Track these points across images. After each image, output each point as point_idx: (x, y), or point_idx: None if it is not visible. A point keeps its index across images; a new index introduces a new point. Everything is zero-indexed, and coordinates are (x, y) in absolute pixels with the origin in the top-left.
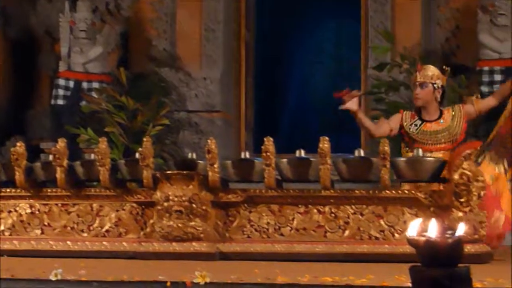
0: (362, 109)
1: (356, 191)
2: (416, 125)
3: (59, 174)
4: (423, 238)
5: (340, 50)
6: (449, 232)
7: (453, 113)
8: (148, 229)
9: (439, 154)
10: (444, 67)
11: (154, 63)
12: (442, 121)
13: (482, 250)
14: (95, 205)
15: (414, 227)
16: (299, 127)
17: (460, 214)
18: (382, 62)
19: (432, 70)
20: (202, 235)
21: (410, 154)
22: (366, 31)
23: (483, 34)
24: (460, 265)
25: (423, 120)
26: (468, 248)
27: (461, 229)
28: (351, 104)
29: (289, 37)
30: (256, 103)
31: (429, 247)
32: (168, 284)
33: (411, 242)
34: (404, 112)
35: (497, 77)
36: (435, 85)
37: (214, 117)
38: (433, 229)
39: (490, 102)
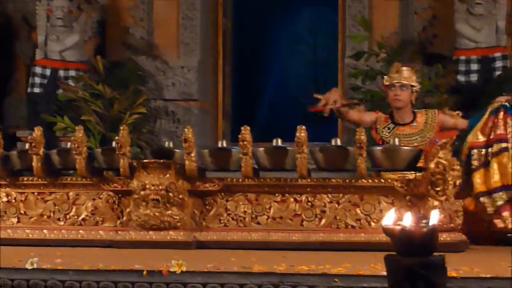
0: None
1: (333, 180)
2: (389, 128)
3: (35, 163)
4: (398, 227)
5: (317, 38)
6: (424, 221)
7: (426, 117)
8: (124, 218)
9: None
10: (414, 67)
11: (131, 51)
12: (415, 124)
13: (458, 239)
14: (71, 194)
15: (389, 217)
16: (277, 115)
17: (436, 203)
18: (359, 51)
19: (410, 73)
20: (178, 224)
21: None
22: (343, 20)
23: (460, 23)
24: (435, 254)
25: (396, 124)
26: (444, 237)
27: (434, 217)
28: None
29: (266, 25)
30: (234, 92)
31: (404, 236)
32: (144, 272)
33: (386, 231)
34: (379, 114)
35: (474, 67)
36: (413, 88)
37: (191, 106)
38: (408, 219)
39: (464, 125)
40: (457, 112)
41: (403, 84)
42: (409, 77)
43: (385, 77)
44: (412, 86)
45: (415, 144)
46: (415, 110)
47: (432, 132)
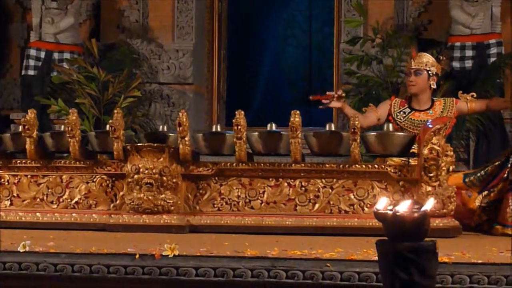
0: (335, 85)
1: (327, 165)
2: (404, 112)
3: (29, 145)
4: (389, 212)
5: (313, 23)
6: (416, 206)
7: (443, 105)
8: (118, 201)
9: None
10: (440, 56)
11: (126, 34)
12: (431, 111)
13: (450, 224)
14: (65, 177)
15: (382, 202)
16: (272, 100)
17: (429, 188)
18: (354, 36)
19: (427, 57)
20: (172, 208)
21: None
22: (339, 5)
23: (455, 10)
24: (426, 239)
25: (412, 109)
26: (437, 223)
27: (429, 205)
28: (335, 103)
29: (262, 10)
30: (229, 76)
31: (395, 221)
32: (137, 256)
33: (378, 216)
34: (395, 100)
35: (468, 53)
36: (429, 72)
37: (186, 90)
38: (403, 205)
39: (483, 106)
40: (471, 94)
41: (417, 69)
42: (424, 62)
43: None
44: (428, 71)
45: None
46: (434, 98)
47: (449, 121)
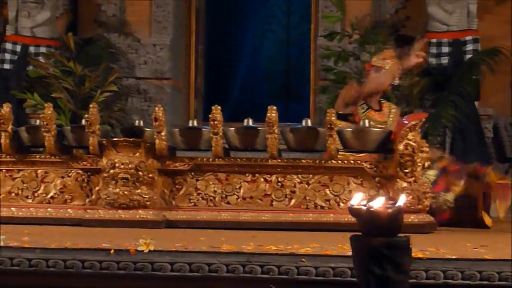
0: (313, 81)
1: (303, 161)
2: (363, 108)
3: (4, 140)
4: (363, 208)
5: (291, 19)
6: (391, 202)
7: (389, 110)
8: (93, 196)
9: None
10: (418, 37)
11: (103, 29)
12: (382, 113)
13: (425, 220)
14: (40, 171)
15: (357, 197)
16: (249, 95)
17: (405, 184)
18: (332, 31)
19: (383, 55)
20: (148, 203)
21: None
22: (317, 1)
23: (432, 6)
24: (401, 234)
25: (368, 107)
26: (412, 218)
27: (402, 200)
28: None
29: (240, 4)
30: (206, 71)
31: (369, 216)
32: (112, 251)
33: (352, 211)
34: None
35: (445, 49)
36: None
37: (164, 84)
38: (375, 200)
39: None
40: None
41: (378, 66)
42: (380, 59)
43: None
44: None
45: None
46: (381, 100)
47: (393, 127)
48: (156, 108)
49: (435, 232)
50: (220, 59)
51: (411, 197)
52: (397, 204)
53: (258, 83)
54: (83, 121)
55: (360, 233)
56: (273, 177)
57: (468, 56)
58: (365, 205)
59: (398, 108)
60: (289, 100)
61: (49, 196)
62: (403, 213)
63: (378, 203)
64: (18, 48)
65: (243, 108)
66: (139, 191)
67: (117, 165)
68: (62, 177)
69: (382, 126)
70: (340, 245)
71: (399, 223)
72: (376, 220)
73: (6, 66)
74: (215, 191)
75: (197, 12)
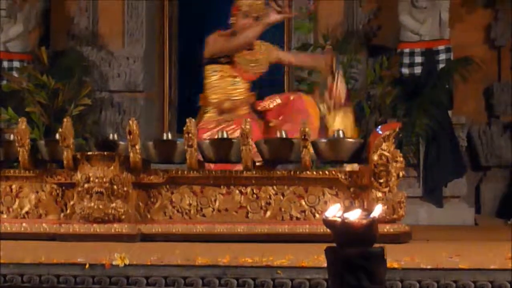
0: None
1: (278, 172)
2: None
3: None
4: (338, 219)
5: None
6: (365, 213)
7: (261, 46)
8: (68, 211)
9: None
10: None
11: (76, 41)
12: (253, 52)
13: (400, 230)
14: (14, 186)
15: (333, 208)
16: None
17: (379, 194)
18: (305, 42)
19: None
20: (123, 217)
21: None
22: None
23: (404, 16)
24: (376, 245)
25: None
26: (387, 228)
27: (378, 211)
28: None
29: (213, 15)
30: (180, 81)
31: (344, 228)
32: (87, 266)
33: (327, 223)
34: None
35: (418, 59)
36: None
37: (137, 97)
38: (350, 212)
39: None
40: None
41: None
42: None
43: None
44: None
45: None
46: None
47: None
48: (130, 122)
49: (410, 242)
50: (194, 69)
51: (385, 207)
52: (373, 215)
53: None
54: (57, 135)
55: (335, 244)
56: (248, 189)
57: (441, 65)
58: (340, 217)
59: (269, 43)
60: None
61: (23, 211)
62: (377, 223)
63: (354, 215)
64: None
65: None
66: (113, 204)
67: (91, 179)
68: (37, 192)
69: (254, 64)
70: (316, 256)
71: (374, 233)
72: (351, 231)
73: None
74: (190, 204)
75: (170, 21)
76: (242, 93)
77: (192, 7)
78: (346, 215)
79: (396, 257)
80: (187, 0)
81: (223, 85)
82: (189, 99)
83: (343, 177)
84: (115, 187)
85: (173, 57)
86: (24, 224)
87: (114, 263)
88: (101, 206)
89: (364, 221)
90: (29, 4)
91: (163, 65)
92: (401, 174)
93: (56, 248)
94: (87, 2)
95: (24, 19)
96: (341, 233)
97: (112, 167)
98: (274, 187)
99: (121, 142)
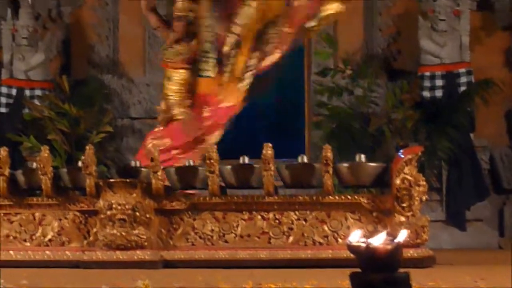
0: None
1: (300, 197)
2: None
3: (1, 184)
4: (362, 245)
5: (283, 55)
6: (389, 238)
7: None
8: (91, 238)
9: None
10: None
11: (97, 70)
12: None
13: (424, 254)
14: (37, 214)
15: (355, 234)
16: (243, 131)
17: (402, 219)
18: (325, 68)
19: None
20: (145, 243)
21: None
22: (309, 37)
23: (424, 40)
24: (400, 270)
25: None
26: (411, 253)
27: (403, 236)
28: None
29: None
30: None
31: (368, 253)
32: None
33: (350, 248)
34: None
35: (438, 82)
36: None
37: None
38: (374, 236)
39: None
40: None
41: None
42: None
43: None
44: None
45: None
46: None
47: None
48: (152, 149)
49: (434, 266)
50: None
51: (409, 231)
52: (397, 240)
53: (251, 119)
54: (79, 163)
55: (359, 270)
56: (270, 215)
57: (462, 88)
58: (364, 242)
59: None
60: (284, 136)
61: (46, 238)
62: (402, 249)
63: (379, 240)
64: (13, 91)
65: (237, 145)
66: (136, 231)
67: (114, 206)
68: (60, 220)
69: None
70: (340, 282)
71: (399, 258)
72: (376, 257)
73: (2, 109)
74: (212, 230)
75: None
76: None
77: None
78: (371, 240)
79: (421, 282)
80: None
81: None
82: None
83: (365, 201)
84: (137, 213)
85: None
86: (47, 252)
87: None
88: (123, 233)
89: (389, 247)
90: (50, 33)
91: None
92: (424, 198)
93: (79, 275)
94: (108, 31)
95: (45, 48)
96: (366, 258)
97: (134, 194)
98: (297, 212)
99: (142, 169)
